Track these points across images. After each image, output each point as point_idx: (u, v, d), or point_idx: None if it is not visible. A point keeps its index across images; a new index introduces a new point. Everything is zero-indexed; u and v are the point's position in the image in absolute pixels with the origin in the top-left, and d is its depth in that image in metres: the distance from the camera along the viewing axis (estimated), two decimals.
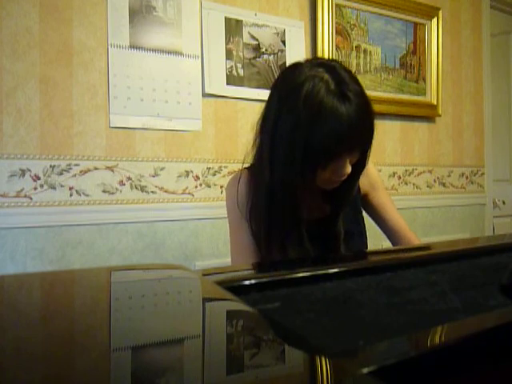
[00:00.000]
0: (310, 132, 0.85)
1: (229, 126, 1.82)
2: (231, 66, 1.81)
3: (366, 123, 0.88)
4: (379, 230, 1.20)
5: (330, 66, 0.90)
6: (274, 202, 0.95)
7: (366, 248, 1.16)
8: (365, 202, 1.18)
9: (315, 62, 0.92)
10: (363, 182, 1.13)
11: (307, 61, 0.94)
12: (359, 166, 0.96)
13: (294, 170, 0.89)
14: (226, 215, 1.08)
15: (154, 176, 1.67)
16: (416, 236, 1.18)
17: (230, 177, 1.10)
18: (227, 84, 1.80)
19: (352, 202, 1.07)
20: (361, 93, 0.88)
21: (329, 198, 1.04)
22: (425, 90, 2.37)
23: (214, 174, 1.79)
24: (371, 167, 1.17)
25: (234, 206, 1.04)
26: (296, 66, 0.93)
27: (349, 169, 0.90)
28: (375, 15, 2.20)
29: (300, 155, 0.87)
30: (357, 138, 0.87)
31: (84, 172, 1.55)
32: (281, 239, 0.97)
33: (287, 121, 0.87)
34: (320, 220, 1.05)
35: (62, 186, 1.52)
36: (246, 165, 1.08)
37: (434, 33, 2.39)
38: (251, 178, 1.04)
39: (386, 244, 1.23)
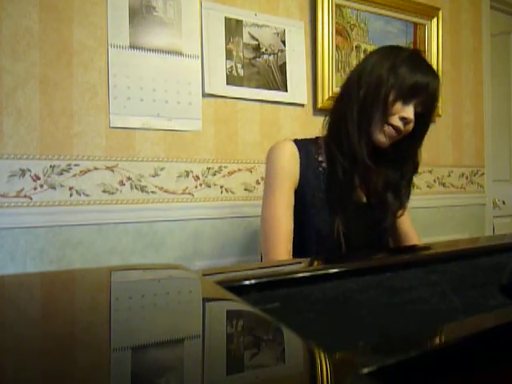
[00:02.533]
0: (405, 70, 1.06)
1: (229, 126, 1.82)
2: (231, 66, 1.81)
3: (436, 85, 1.09)
4: None
5: (408, 49, 1.18)
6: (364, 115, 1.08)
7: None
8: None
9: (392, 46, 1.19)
10: None
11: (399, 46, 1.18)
12: (419, 133, 1.13)
13: (378, 97, 1.06)
14: (265, 176, 1.14)
15: (153, 176, 1.67)
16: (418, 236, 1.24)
17: (277, 142, 1.17)
18: (227, 84, 1.80)
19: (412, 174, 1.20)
20: (436, 73, 1.12)
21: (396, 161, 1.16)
22: None
23: (214, 174, 1.79)
24: None
25: (283, 168, 1.10)
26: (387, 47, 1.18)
27: (413, 116, 1.07)
28: (375, 15, 2.20)
29: (394, 82, 1.06)
30: (427, 91, 1.07)
31: (84, 172, 1.55)
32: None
33: (376, 62, 1.10)
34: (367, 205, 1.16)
35: (61, 186, 1.52)
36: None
37: (434, 33, 2.39)
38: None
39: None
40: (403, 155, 1.15)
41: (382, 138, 1.09)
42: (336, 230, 1.06)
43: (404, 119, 1.07)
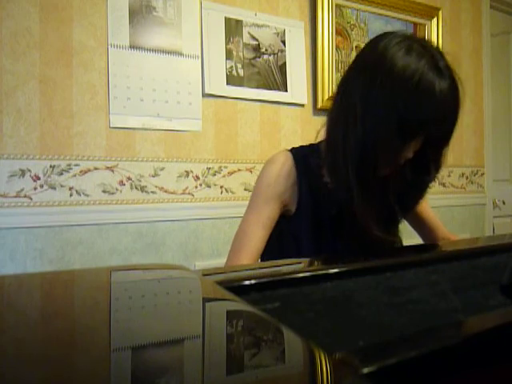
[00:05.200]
0: (408, 101, 0.83)
1: (229, 126, 1.82)
2: (231, 66, 1.81)
3: (457, 98, 0.86)
4: None
5: (422, 40, 0.90)
6: (365, 162, 0.88)
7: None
8: None
9: (406, 34, 0.91)
10: None
11: (398, 32, 0.92)
12: (443, 146, 0.92)
13: (389, 132, 0.85)
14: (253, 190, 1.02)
15: (153, 176, 1.67)
16: (453, 235, 1.16)
17: (274, 154, 1.03)
18: (227, 84, 1.80)
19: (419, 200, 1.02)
20: (452, 68, 0.87)
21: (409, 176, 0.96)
22: None
23: (214, 174, 1.79)
24: None
25: (272, 183, 0.98)
26: (387, 34, 0.91)
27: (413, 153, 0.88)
28: (375, 15, 2.20)
29: (396, 120, 0.83)
30: (449, 112, 0.86)
31: (84, 172, 1.55)
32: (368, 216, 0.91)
33: (384, 85, 0.84)
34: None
35: (62, 186, 1.52)
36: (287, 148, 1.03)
37: (434, 33, 2.39)
38: (315, 155, 0.99)
39: None
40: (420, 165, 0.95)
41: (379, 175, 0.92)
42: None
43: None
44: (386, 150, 0.87)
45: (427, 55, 0.84)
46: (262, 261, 1.01)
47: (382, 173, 0.91)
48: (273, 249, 1.00)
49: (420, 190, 1.00)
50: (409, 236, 1.23)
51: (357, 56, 0.94)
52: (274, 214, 0.98)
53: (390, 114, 0.84)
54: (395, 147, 0.87)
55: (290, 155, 1.00)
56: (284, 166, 0.99)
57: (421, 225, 1.18)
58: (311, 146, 1.04)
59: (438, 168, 0.95)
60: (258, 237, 0.97)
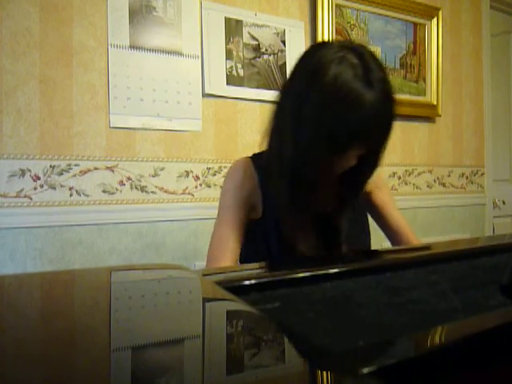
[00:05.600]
0: (335, 113, 0.82)
1: (229, 126, 1.82)
2: (231, 66, 1.81)
3: (388, 112, 0.86)
4: (379, 230, 1.20)
5: (359, 51, 0.87)
6: (297, 177, 0.89)
7: (370, 247, 1.15)
8: (368, 201, 1.18)
9: (344, 44, 0.90)
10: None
11: (336, 41, 0.93)
12: (375, 159, 0.93)
13: (319, 147, 0.85)
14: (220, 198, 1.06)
15: (153, 176, 1.67)
16: (417, 238, 1.18)
17: (234, 162, 1.06)
18: (227, 84, 1.80)
19: (359, 197, 1.04)
20: (386, 81, 0.86)
21: (341, 188, 0.99)
22: (425, 90, 2.37)
23: (214, 174, 1.79)
24: None
25: (236, 188, 1.01)
26: (325, 44, 0.92)
27: (354, 162, 0.88)
28: (375, 15, 2.20)
29: (325, 134, 0.83)
30: (379, 125, 0.85)
31: (84, 172, 1.55)
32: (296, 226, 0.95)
33: (314, 98, 0.84)
34: (323, 216, 1.03)
35: (62, 186, 1.52)
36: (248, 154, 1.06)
37: (434, 33, 2.39)
38: (262, 161, 1.00)
39: (386, 244, 1.23)
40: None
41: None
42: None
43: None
44: (317, 164, 0.87)
45: (360, 67, 0.83)
46: (240, 263, 1.03)
47: (320, 185, 0.91)
48: (247, 251, 1.03)
49: (356, 190, 1.00)
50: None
51: (294, 65, 0.93)
52: (244, 217, 1.01)
53: (319, 127, 0.83)
54: (327, 161, 0.87)
55: (249, 161, 1.03)
56: (245, 171, 1.02)
57: (386, 228, 1.19)
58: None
59: (373, 169, 0.95)
60: (233, 241, 1.00)
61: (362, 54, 0.86)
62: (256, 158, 1.04)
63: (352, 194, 1.00)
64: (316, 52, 0.89)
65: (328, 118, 0.82)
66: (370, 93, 0.81)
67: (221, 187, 1.11)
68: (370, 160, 0.92)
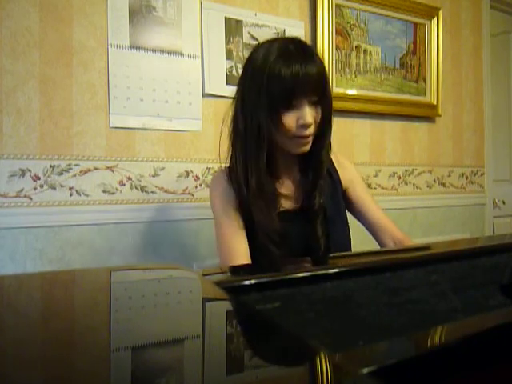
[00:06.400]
0: (267, 81, 0.98)
1: (229, 126, 1.82)
2: (231, 66, 1.81)
3: (308, 68, 0.98)
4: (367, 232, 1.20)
5: (283, 39, 1.10)
6: (249, 153, 1.04)
7: (349, 239, 1.17)
8: (345, 198, 1.19)
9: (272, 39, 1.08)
10: (343, 177, 1.19)
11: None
12: (324, 123, 1.05)
13: (262, 113, 0.99)
14: (212, 211, 1.14)
15: (153, 176, 1.67)
16: (401, 232, 1.18)
17: (212, 177, 1.18)
18: (227, 84, 1.80)
19: (324, 173, 1.12)
20: (312, 50, 1.04)
21: (304, 168, 1.11)
22: (425, 90, 2.37)
23: None
24: (348, 163, 1.25)
25: (221, 196, 1.10)
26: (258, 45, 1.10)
27: (309, 116, 0.99)
28: (375, 15, 2.20)
29: (264, 99, 0.99)
30: (306, 80, 0.98)
31: (84, 172, 1.55)
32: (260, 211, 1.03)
33: (249, 75, 1.05)
34: (299, 208, 1.10)
35: (62, 186, 1.52)
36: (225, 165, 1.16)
37: (434, 33, 2.39)
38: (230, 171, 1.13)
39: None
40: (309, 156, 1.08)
41: (297, 150, 1.04)
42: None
43: (303, 126, 1.00)
44: (267, 123, 1.00)
45: (279, 42, 1.03)
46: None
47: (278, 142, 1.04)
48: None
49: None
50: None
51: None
52: (237, 215, 1.08)
53: (259, 91, 0.99)
54: (273, 119, 0.99)
55: (224, 172, 1.14)
56: (224, 180, 1.12)
57: (368, 225, 1.21)
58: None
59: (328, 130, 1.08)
60: (242, 245, 1.06)
61: (284, 39, 1.07)
62: (229, 168, 1.14)
63: (316, 165, 1.09)
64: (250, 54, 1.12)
65: (262, 83, 0.98)
66: (292, 59, 0.98)
67: (209, 198, 1.18)
68: (319, 126, 1.04)
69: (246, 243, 1.05)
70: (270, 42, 1.05)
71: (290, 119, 0.99)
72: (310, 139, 1.04)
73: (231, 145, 1.12)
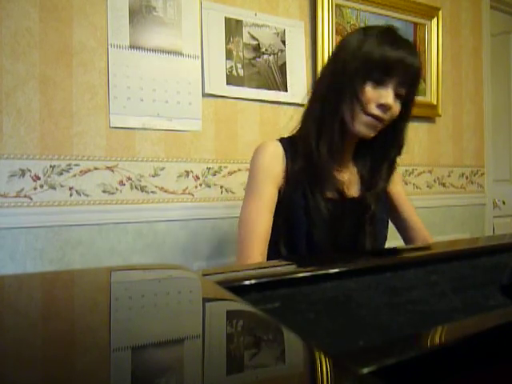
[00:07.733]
0: (367, 49, 0.97)
1: (229, 126, 1.82)
2: (231, 66, 1.81)
3: (412, 59, 0.97)
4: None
5: (381, 27, 1.05)
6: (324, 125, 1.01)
7: (385, 240, 1.16)
8: (388, 199, 1.19)
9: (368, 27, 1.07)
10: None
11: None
12: (404, 115, 1.04)
13: (349, 77, 0.98)
14: (247, 180, 1.09)
15: (153, 176, 1.67)
16: (429, 235, 1.19)
17: (259, 146, 1.11)
18: (227, 84, 1.80)
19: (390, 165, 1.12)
20: (410, 42, 1.03)
21: (372, 152, 1.10)
22: (425, 90, 2.37)
23: (214, 174, 1.79)
24: None
25: (265, 167, 1.05)
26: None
27: (392, 99, 0.97)
28: (375, 15, 2.20)
29: (358, 64, 0.97)
30: (406, 70, 0.97)
31: (84, 172, 1.55)
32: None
33: (346, 52, 1.01)
34: (355, 199, 1.08)
35: (62, 186, 1.52)
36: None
37: (434, 33, 2.39)
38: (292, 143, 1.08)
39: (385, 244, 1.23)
40: (386, 139, 1.07)
41: (363, 130, 1.01)
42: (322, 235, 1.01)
43: (382, 106, 0.97)
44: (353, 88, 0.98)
45: (388, 34, 1.00)
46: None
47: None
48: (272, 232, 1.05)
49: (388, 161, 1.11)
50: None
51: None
52: (274, 195, 1.04)
53: (347, 62, 0.99)
54: (356, 88, 0.98)
55: (278, 143, 1.08)
56: (275, 151, 1.06)
57: (401, 223, 1.21)
58: (293, 136, 1.12)
59: (400, 145, 1.10)
60: (264, 221, 1.02)
61: (383, 27, 1.03)
62: (282, 141, 1.09)
63: (390, 139, 1.09)
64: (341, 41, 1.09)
65: (366, 49, 0.97)
66: (401, 46, 0.97)
67: (247, 170, 1.15)
68: (402, 112, 1.02)
69: (270, 224, 1.02)
70: (363, 29, 1.04)
71: (373, 93, 0.97)
72: (381, 125, 1.01)
73: (304, 112, 1.08)
